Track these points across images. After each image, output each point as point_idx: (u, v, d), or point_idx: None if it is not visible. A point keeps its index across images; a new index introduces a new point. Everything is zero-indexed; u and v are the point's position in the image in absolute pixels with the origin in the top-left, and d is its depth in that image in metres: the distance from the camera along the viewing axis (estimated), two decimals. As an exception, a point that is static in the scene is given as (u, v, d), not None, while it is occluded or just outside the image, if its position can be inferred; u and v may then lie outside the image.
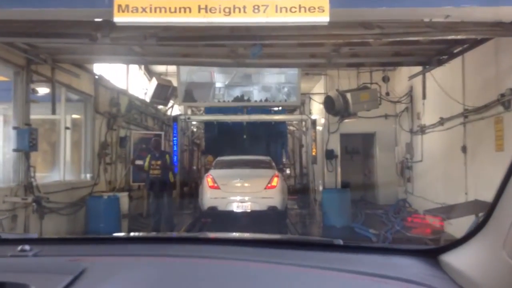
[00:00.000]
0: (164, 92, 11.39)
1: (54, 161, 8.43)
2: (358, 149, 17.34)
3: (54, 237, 3.21)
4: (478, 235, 1.26)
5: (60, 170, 8.25)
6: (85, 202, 8.59)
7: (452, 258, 1.33)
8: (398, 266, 1.42)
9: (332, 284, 1.27)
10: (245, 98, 10.80)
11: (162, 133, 12.49)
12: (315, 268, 1.35)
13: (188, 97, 10.73)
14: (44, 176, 8.02)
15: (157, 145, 9.77)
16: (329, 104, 12.50)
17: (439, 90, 9.72)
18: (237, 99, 10.83)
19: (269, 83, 11.60)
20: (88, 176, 9.42)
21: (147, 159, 9.60)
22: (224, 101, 11.45)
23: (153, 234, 4.70)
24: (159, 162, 9.46)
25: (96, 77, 9.61)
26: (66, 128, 8.59)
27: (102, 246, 1.69)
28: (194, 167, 22.38)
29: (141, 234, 3.94)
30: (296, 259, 1.45)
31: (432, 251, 1.45)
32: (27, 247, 1.43)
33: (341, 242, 1.65)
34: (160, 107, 15.33)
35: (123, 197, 9.39)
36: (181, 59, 6.73)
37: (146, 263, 1.39)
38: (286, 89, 12.03)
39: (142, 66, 13.29)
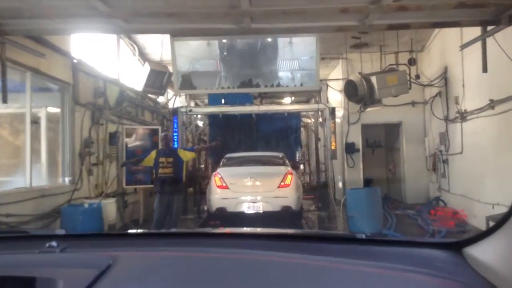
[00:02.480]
0: (159, 79, 9.80)
1: (19, 164, 6.87)
2: (380, 141, 15.65)
3: (81, 233, 3.19)
4: (502, 228, 1.25)
5: (26, 175, 6.69)
6: (60, 212, 7.05)
7: (477, 251, 1.33)
8: (422, 259, 1.42)
9: (356, 277, 1.27)
10: (254, 83, 9.15)
11: (159, 127, 10.88)
12: (338, 261, 1.36)
13: (186, 84, 9.12)
14: (3, 182, 6.48)
15: (166, 140, 8.18)
16: (351, 90, 10.84)
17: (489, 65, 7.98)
18: (243, 84, 9.20)
19: (281, 69, 9.91)
20: (67, 180, 7.88)
21: (152, 155, 8.03)
22: (228, 87, 9.78)
23: (178, 229, 4.55)
24: (170, 160, 7.89)
25: (75, 61, 8.04)
26: (33, 122, 7.02)
27: (128, 242, 1.73)
28: (202, 166, 21.07)
29: (170, 230, 3.78)
30: (320, 252, 1.45)
31: (457, 244, 1.43)
32: (54, 243, 1.46)
33: (363, 236, 1.65)
34: (161, 99, 13.80)
35: (109, 204, 7.86)
36: (168, 26, 5.13)
37: (171, 258, 1.42)
38: (299, 75, 10.38)
39: (136, 53, 11.72)
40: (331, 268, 1.32)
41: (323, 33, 10.68)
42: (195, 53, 11.29)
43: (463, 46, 8.23)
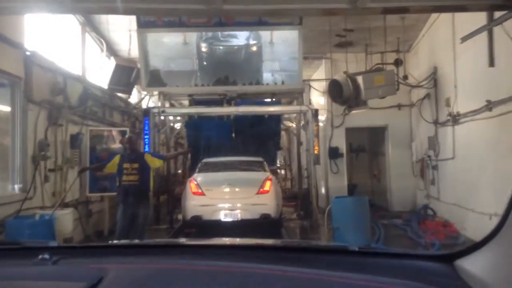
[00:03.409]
0: (125, 76, 8.91)
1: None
2: (363, 146, 15.00)
3: (73, 244, 3.43)
4: (493, 240, 1.26)
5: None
6: (4, 226, 6.09)
7: (468, 263, 1.33)
8: (414, 272, 1.41)
9: None
10: (230, 80, 8.34)
11: (127, 129, 9.95)
12: (327, 273, 1.36)
13: (155, 81, 8.26)
14: None
15: (131, 144, 7.30)
16: (335, 91, 10.14)
17: (485, 64, 7.35)
18: (219, 81, 8.38)
19: (261, 67, 9.21)
20: (17, 187, 6.91)
21: (115, 160, 7.18)
22: (202, 85, 8.93)
23: (174, 240, 4.46)
24: (136, 166, 7.02)
25: (27, 53, 7.10)
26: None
27: (120, 254, 1.72)
28: (179, 171, 20.13)
29: (160, 241, 3.54)
30: (307, 264, 1.45)
31: (448, 256, 1.43)
32: (46, 255, 1.47)
33: (356, 248, 1.64)
34: (133, 99, 12.87)
35: (65, 215, 6.93)
36: (126, 5, 4.30)
37: (160, 270, 1.41)
38: (281, 77, 9.67)
39: (104, 48, 10.79)
40: (319, 280, 1.33)
41: (306, 31, 10.07)
42: (171, 52, 10.49)
43: (465, 38, 7.57)
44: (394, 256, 1.65)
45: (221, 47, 9.65)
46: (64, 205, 7.90)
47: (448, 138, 9.59)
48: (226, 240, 2.57)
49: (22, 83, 6.99)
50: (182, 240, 4.22)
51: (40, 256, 1.46)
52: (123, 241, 3.48)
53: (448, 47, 9.24)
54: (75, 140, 8.64)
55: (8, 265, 1.54)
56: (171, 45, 10.31)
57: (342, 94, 9.89)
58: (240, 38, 9.90)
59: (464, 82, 8.68)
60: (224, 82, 8.42)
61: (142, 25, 7.75)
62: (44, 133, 7.58)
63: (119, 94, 11.63)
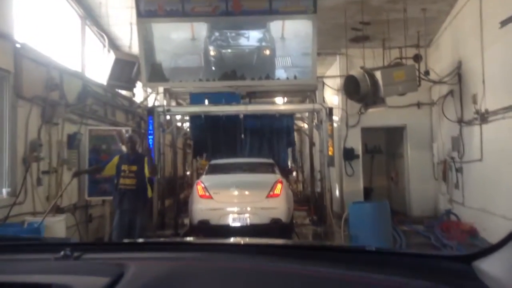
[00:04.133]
0: (126, 71, 8.31)
1: None
2: (380, 146, 14.27)
3: (93, 242, 3.36)
4: None
5: None
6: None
7: (487, 265, 1.31)
8: (431, 272, 1.41)
9: None
10: (238, 75, 7.69)
11: (129, 128, 9.35)
12: (347, 272, 1.36)
13: (156, 75, 7.65)
14: None
15: (132, 144, 6.73)
16: (352, 87, 9.44)
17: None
18: (226, 76, 7.74)
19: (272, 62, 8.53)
20: (5, 191, 6.33)
21: (114, 161, 6.63)
22: (207, 80, 8.28)
23: (191, 239, 4.34)
24: (134, 168, 6.47)
25: (17, 45, 6.53)
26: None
27: (139, 251, 1.74)
28: (188, 173, 19.55)
29: (178, 239, 3.75)
30: (329, 264, 1.46)
31: (466, 258, 1.41)
32: (68, 251, 1.51)
33: (373, 248, 1.64)
34: (138, 97, 12.28)
35: (57, 223, 6.33)
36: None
37: (183, 267, 1.45)
38: (293, 73, 8.98)
39: (106, 43, 10.21)
40: (337, 279, 1.33)
41: (319, 24, 9.39)
42: (178, 48, 9.87)
43: (506, 22, 6.81)
44: (412, 256, 1.65)
45: (229, 50, 9.07)
46: (59, 210, 7.35)
47: (474, 138, 8.83)
48: (242, 239, 2.60)
49: (11, 77, 6.42)
50: (199, 239, 4.13)
51: (62, 252, 1.50)
52: (141, 240, 3.43)
53: (475, 38, 8.51)
54: (72, 140, 8.08)
55: (32, 259, 1.58)
56: (178, 42, 9.71)
57: (359, 90, 9.19)
58: (251, 40, 9.23)
59: (494, 76, 7.94)
60: (231, 76, 7.76)
61: (142, 15, 7.15)
62: (37, 132, 7.00)
63: (123, 93, 11.09)
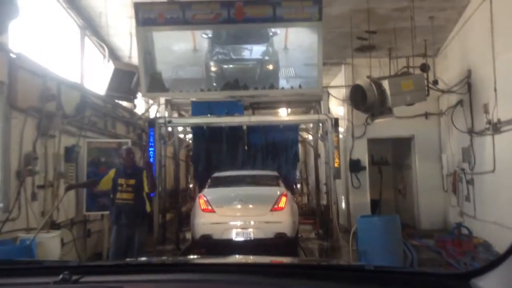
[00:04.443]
0: (125, 81, 8.06)
1: None
2: (386, 158, 13.93)
3: (93, 263, 3.14)
4: (510, 258, 1.25)
5: None
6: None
7: (484, 282, 1.31)
8: None
9: None
10: (241, 84, 7.43)
11: (129, 141, 9.10)
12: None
13: (156, 85, 7.40)
14: None
15: (129, 157, 6.45)
16: (358, 97, 9.18)
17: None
18: (228, 86, 7.49)
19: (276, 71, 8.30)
20: (-4, 207, 6.05)
21: (110, 175, 6.36)
22: (209, 90, 8.02)
23: (190, 258, 4.11)
24: (132, 182, 6.19)
25: (12, 55, 6.29)
26: None
27: (138, 272, 1.74)
28: (191, 185, 19.26)
29: (177, 259, 3.54)
30: (331, 283, 1.47)
31: (464, 275, 1.42)
32: (67, 274, 1.51)
33: (372, 267, 1.63)
34: (139, 109, 12.05)
35: (51, 239, 6.04)
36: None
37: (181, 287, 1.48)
38: (297, 83, 8.74)
39: (106, 54, 10.00)
40: None
41: (324, 33, 9.16)
42: (180, 60, 9.66)
43: None
44: (410, 274, 1.65)
45: (231, 66, 8.84)
46: (54, 226, 7.06)
47: (486, 148, 8.52)
48: (240, 258, 2.61)
49: (5, 88, 6.16)
50: (197, 258, 4.12)
51: (61, 276, 1.50)
52: (140, 259, 3.45)
53: (485, 46, 8.24)
54: (70, 153, 7.81)
55: (30, 283, 1.57)
56: (180, 53, 9.51)
57: (366, 100, 8.93)
58: (254, 54, 8.97)
59: (506, 84, 7.65)
60: (233, 86, 7.49)
61: (142, 23, 6.93)
62: (32, 144, 6.73)
63: (124, 104, 10.86)
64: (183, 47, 9.35)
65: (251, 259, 2.51)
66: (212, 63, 8.85)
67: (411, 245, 8.79)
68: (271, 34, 8.78)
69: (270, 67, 8.91)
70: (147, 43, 7.20)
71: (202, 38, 8.92)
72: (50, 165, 7.27)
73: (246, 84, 7.62)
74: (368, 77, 9.05)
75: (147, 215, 6.41)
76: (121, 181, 6.08)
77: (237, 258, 2.91)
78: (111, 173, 6.26)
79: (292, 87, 8.08)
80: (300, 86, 7.98)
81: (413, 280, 1.52)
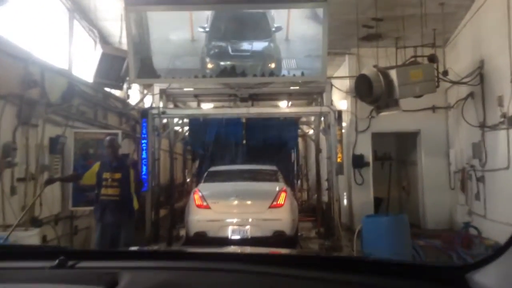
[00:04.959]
0: (115, 67, 7.50)
1: None
2: (389, 153, 13.39)
3: (89, 249, 3.38)
4: (507, 252, 1.25)
5: None
6: None
7: (481, 276, 1.31)
8: (424, 283, 1.42)
9: None
10: (238, 72, 6.88)
11: (119, 131, 8.56)
12: (342, 277, 1.41)
13: (146, 71, 6.87)
14: None
15: (113, 148, 5.95)
16: (363, 88, 8.63)
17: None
18: (225, 72, 6.95)
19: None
20: (-31, 202, 5.53)
21: (94, 168, 5.86)
22: (204, 77, 7.46)
23: (187, 248, 4.44)
24: (118, 176, 5.70)
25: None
26: None
27: (134, 259, 1.73)
28: (188, 180, 18.76)
29: (174, 249, 3.59)
30: (329, 271, 1.47)
31: (460, 269, 1.41)
32: (64, 259, 1.51)
33: (370, 259, 1.80)
34: (133, 99, 11.49)
35: (29, 238, 5.52)
36: None
37: (177, 275, 1.46)
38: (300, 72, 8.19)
39: (98, 39, 9.42)
40: (337, 281, 1.38)
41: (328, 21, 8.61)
42: (177, 49, 9.08)
43: None
44: (405, 266, 1.63)
45: (229, 62, 8.30)
46: (36, 223, 6.53)
47: (500, 144, 8.00)
48: (238, 249, 2.64)
49: (-21, 72, 5.63)
50: (195, 248, 3.97)
51: (57, 260, 1.49)
52: (136, 248, 3.34)
53: (501, 34, 7.71)
54: (55, 144, 7.28)
55: (27, 268, 1.57)
56: (178, 43, 8.95)
57: (371, 91, 8.38)
58: (254, 50, 8.38)
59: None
60: (230, 73, 6.95)
61: (131, 2, 6.37)
62: (11, 134, 6.20)
63: (117, 93, 10.32)
64: (180, 36, 8.78)
65: (249, 249, 2.54)
66: (208, 59, 8.28)
67: (419, 246, 8.28)
68: (273, 29, 8.24)
69: (272, 65, 8.37)
70: (140, 25, 6.62)
71: (201, 21, 8.36)
72: (32, 157, 6.74)
73: (244, 71, 7.05)
74: (375, 66, 8.50)
75: (134, 213, 5.89)
76: (106, 175, 5.57)
77: (235, 248, 2.98)
78: (95, 166, 5.76)
79: (294, 75, 7.51)
80: (302, 74, 7.40)
81: (408, 272, 1.49)
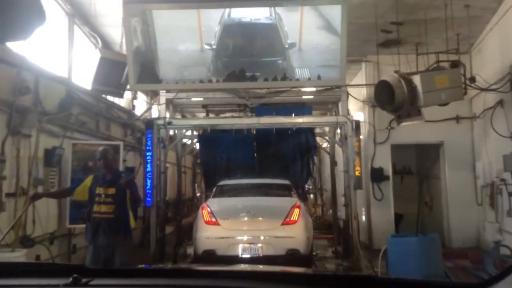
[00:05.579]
0: (115, 72, 6.96)
1: None
2: (409, 167, 12.66)
3: (103, 268, 3.21)
4: None
5: None
6: None
7: None
8: None
9: None
10: (248, 74, 6.31)
11: (120, 143, 8.01)
12: None
13: (147, 76, 6.31)
14: None
15: (106, 160, 5.37)
16: (383, 96, 8.00)
17: None
18: (233, 76, 6.36)
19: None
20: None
21: (86, 183, 5.29)
22: (210, 81, 6.89)
23: (199, 266, 4.18)
24: (112, 191, 5.10)
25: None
26: None
27: (147, 277, 1.74)
28: (198, 194, 18.22)
29: (188, 266, 3.62)
30: None
31: (474, 287, 1.42)
32: (78, 277, 1.51)
33: (381, 277, 1.92)
34: (139, 110, 10.98)
35: (15, 259, 4.92)
36: None
37: None
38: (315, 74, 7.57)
39: (100, 45, 8.93)
40: None
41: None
42: (185, 60, 8.57)
43: None
44: (418, 285, 1.62)
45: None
46: (27, 243, 5.96)
47: (536, 156, 7.28)
48: (247, 266, 2.70)
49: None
50: (206, 267, 3.77)
51: (71, 278, 1.50)
52: (154, 266, 3.32)
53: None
54: (50, 155, 6.75)
55: (40, 285, 1.57)
56: (186, 54, 8.43)
57: (393, 99, 7.74)
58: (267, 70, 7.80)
59: None
60: (239, 77, 6.35)
61: (130, 0, 5.85)
62: (0, 144, 5.66)
63: (120, 103, 9.82)
64: (188, 47, 8.24)
65: (261, 267, 2.56)
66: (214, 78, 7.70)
67: (448, 268, 7.54)
68: (286, 46, 7.69)
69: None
70: (141, 26, 6.09)
71: (209, 33, 7.84)
72: (25, 170, 6.19)
73: (254, 74, 6.46)
74: (396, 72, 7.87)
75: (131, 232, 5.27)
76: (99, 190, 4.97)
77: (246, 266, 2.96)
78: (88, 180, 5.17)
79: (309, 79, 6.90)
80: (319, 78, 6.79)
81: None
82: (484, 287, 1.34)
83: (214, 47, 7.65)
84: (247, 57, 7.28)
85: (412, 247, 5.75)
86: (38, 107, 6.39)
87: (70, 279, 1.48)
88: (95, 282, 1.52)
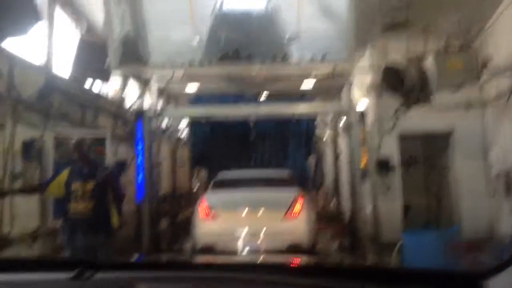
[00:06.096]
0: (96, 57, 6.38)
1: None
2: (415, 157, 12.12)
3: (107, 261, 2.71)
4: None
5: None
6: None
7: (497, 283, 1.31)
8: None
9: None
10: (243, 54, 5.71)
11: (106, 134, 7.47)
12: (358, 285, 1.44)
13: (130, 55, 5.74)
14: None
15: (81, 152, 4.83)
16: (391, 80, 7.45)
17: None
18: (226, 57, 5.77)
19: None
20: None
21: (61, 177, 4.72)
22: (201, 63, 6.29)
23: (202, 257, 4.00)
24: (90, 186, 4.54)
25: None
26: None
27: (151, 269, 1.75)
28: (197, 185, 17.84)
29: (193, 258, 3.60)
30: (346, 280, 1.49)
31: (475, 276, 1.41)
32: (82, 270, 1.53)
33: (384, 266, 1.97)
34: (129, 99, 10.38)
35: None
36: None
37: (194, 287, 1.49)
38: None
39: (84, 30, 8.29)
40: None
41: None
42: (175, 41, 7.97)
43: None
44: (420, 273, 1.62)
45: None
46: (5, 243, 5.43)
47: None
48: (254, 258, 2.71)
49: None
50: (210, 258, 3.77)
51: (75, 271, 1.51)
52: (159, 260, 3.00)
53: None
54: (29, 148, 6.17)
55: (46, 278, 1.59)
56: (178, 45, 7.86)
57: (402, 84, 7.19)
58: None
59: None
60: (232, 57, 5.76)
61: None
62: (-33, 137, 5.09)
63: (110, 93, 9.23)
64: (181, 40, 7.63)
65: (266, 258, 2.68)
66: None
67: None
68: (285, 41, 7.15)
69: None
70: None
71: (204, 20, 7.24)
72: (-1, 164, 5.62)
73: (250, 54, 5.86)
74: (406, 54, 7.30)
75: (113, 233, 4.72)
76: (75, 185, 4.40)
77: (251, 257, 2.95)
78: (63, 174, 4.64)
79: (312, 59, 6.32)
80: (323, 57, 6.22)
81: (423, 278, 1.49)
82: (489, 274, 1.33)
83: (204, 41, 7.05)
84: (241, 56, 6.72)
85: (431, 243, 5.26)
86: (13, 94, 5.81)
87: (75, 272, 1.49)
88: (99, 275, 1.52)
